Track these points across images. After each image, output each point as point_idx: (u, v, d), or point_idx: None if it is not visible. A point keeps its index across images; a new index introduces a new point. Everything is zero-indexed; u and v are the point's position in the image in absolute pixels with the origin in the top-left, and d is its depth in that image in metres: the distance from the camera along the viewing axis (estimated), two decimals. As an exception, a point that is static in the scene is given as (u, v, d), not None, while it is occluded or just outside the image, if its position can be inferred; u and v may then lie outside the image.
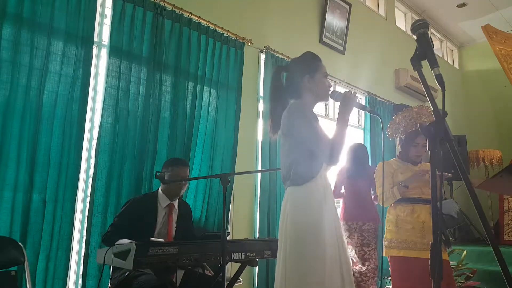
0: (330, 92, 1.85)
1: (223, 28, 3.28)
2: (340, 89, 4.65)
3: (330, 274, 1.61)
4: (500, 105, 6.87)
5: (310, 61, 1.88)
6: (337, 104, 1.87)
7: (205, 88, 3.12)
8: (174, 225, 2.34)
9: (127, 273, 2.01)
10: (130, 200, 2.33)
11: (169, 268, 1.92)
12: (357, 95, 1.81)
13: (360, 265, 3.46)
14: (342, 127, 1.72)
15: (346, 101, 1.76)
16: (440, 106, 1.04)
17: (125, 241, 1.93)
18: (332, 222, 1.69)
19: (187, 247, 1.86)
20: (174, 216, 2.35)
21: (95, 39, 2.62)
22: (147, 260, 1.69)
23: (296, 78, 1.84)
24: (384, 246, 2.59)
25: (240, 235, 3.18)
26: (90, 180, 2.48)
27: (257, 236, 3.33)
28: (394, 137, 2.73)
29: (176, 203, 2.38)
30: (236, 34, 3.39)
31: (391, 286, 2.59)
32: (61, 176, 2.32)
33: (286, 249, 1.64)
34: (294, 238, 1.64)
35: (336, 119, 1.77)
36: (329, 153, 1.67)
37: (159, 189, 2.36)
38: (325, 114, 4.34)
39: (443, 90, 1.05)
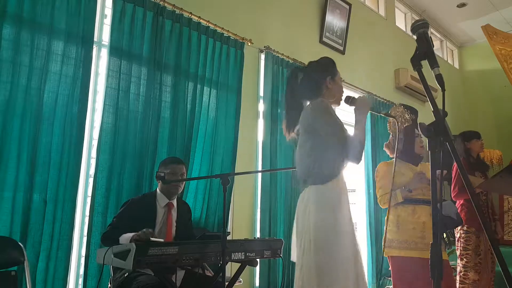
0: (344, 97, 1.91)
1: (223, 28, 3.28)
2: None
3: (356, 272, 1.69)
4: (500, 105, 6.87)
5: (330, 64, 1.97)
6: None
7: (205, 88, 3.12)
8: (174, 224, 2.34)
9: (127, 274, 2.01)
10: (129, 200, 2.32)
11: (169, 268, 1.92)
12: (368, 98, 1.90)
13: None
14: (362, 130, 1.77)
15: (362, 106, 1.83)
16: (440, 106, 1.04)
17: (129, 235, 1.94)
18: (350, 220, 1.75)
19: (187, 247, 1.86)
20: (174, 215, 2.36)
21: (95, 39, 2.62)
22: (147, 260, 1.68)
23: (317, 79, 1.90)
24: (384, 246, 2.59)
25: (240, 235, 3.17)
26: (91, 180, 2.48)
27: (258, 236, 3.33)
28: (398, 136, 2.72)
29: (175, 202, 2.38)
30: (236, 34, 3.39)
31: (391, 286, 2.59)
32: (62, 176, 2.31)
33: (310, 247, 1.66)
34: (319, 237, 1.66)
35: (354, 124, 1.82)
36: (354, 151, 1.73)
37: (157, 189, 2.36)
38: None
39: (443, 90, 1.05)
